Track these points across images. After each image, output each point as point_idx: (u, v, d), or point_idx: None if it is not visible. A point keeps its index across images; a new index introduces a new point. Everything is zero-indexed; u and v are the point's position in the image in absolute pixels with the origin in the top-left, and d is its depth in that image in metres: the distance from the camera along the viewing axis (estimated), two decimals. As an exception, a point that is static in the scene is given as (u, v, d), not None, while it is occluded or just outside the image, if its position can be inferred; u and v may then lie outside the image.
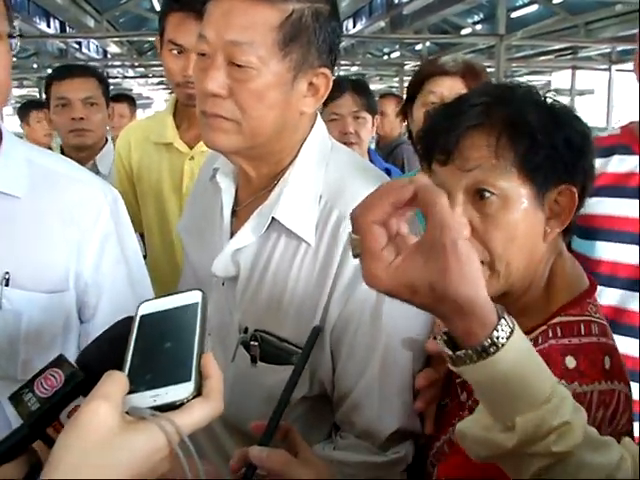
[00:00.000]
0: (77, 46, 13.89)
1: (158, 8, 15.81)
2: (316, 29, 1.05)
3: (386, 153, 4.34)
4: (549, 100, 1.00)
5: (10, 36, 1.06)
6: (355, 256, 0.70)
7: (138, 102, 5.26)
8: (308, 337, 0.93)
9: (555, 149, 0.95)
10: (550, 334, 0.95)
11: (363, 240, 0.68)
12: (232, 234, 1.18)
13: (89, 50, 15.32)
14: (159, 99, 26.65)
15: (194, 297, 0.72)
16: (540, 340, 0.95)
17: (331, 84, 1.11)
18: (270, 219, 1.11)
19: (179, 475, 0.64)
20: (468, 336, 0.68)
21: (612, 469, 0.70)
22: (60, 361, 0.79)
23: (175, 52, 1.91)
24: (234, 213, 1.21)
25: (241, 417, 1.11)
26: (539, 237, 0.98)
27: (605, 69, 13.33)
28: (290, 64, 1.05)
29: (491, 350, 0.67)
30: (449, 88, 1.91)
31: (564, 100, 1.08)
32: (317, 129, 1.17)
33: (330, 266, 1.07)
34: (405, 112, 2.13)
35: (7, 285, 1.12)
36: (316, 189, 1.12)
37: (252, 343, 1.13)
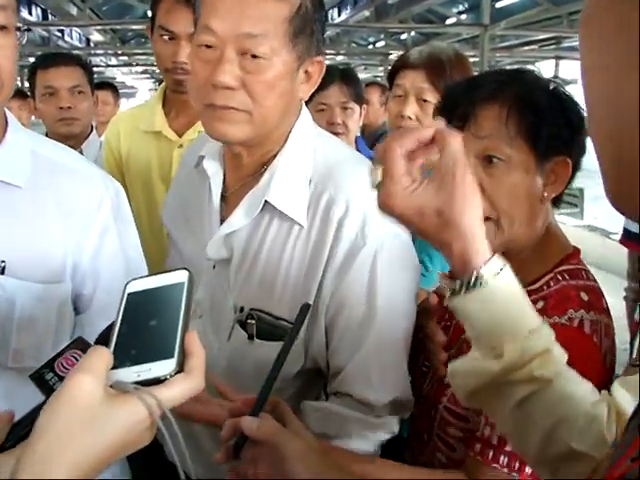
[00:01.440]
0: (60, 34, 13.75)
1: (142, -4, 15.68)
2: (316, 20, 1.10)
3: (371, 141, 4.36)
4: (553, 85, 1.16)
5: (17, 29, 1.07)
6: (374, 186, 0.79)
7: (122, 91, 5.24)
8: (297, 314, 0.96)
9: (556, 125, 1.10)
10: (560, 278, 1.12)
11: (387, 166, 0.77)
12: (222, 219, 1.21)
13: (72, 38, 15.17)
14: (143, 88, 26.46)
15: (181, 276, 0.74)
16: (552, 283, 1.11)
17: (324, 70, 1.15)
18: (263, 202, 1.14)
19: None
20: (463, 264, 0.77)
21: (587, 409, 0.78)
22: (80, 343, 0.82)
23: (166, 38, 1.93)
24: (223, 198, 1.23)
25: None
26: (538, 200, 1.13)
27: (588, 59, 13.41)
28: (296, 54, 1.09)
29: (482, 282, 0.76)
30: (411, 81, 1.94)
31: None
32: (303, 116, 1.20)
33: (323, 246, 1.11)
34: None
35: (3, 273, 1.13)
36: (306, 173, 1.15)
37: (249, 321, 1.17)
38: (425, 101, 1.91)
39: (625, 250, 4.01)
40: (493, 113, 1.11)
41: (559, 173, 1.12)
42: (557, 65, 14.43)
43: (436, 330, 1.18)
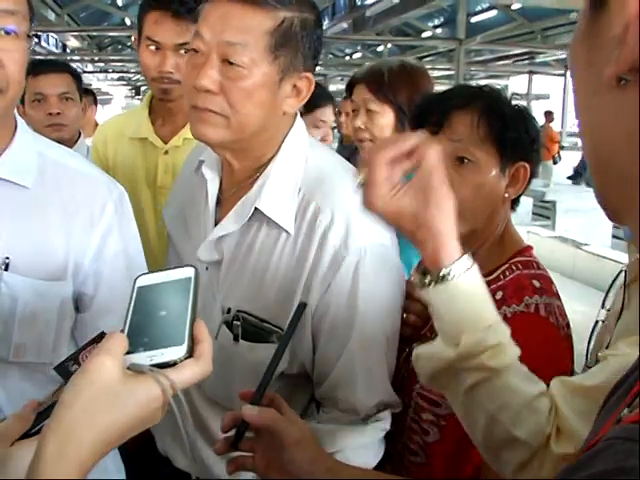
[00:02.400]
0: (36, 40, 13.63)
1: (120, 3, 15.64)
2: (303, 37, 1.14)
3: (349, 151, 4.42)
4: (514, 101, 1.32)
5: (29, 36, 1.12)
6: (359, 186, 0.91)
7: (98, 97, 5.23)
8: (294, 311, 1.01)
9: (518, 133, 1.24)
10: (514, 268, 1.24)
11: (370, 171, 0.88)
12: (216, 222, 1.26)
13: (48, 44, 15.09)
14: (119, 95, 26.30)
15: (187, 272, 0.80)
16: (507, 273, 1.24)
17: (313, 87, 1.19)
18: (253, 209, 1.19)
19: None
20: (434, 261, 0.86)
21: (529, 400, 0.87)
22: (103, 337, 0.87)
23: (152, 48, 1.97)
24: (218, 202, 1.28)
25: (222, 392, 1.21)
26: (500, 199, 1.26)
27: (560, 74, 13.67)
28: (278, 67, 1.12)
29: (449, 277, 0.85)
30: (358, 94, 2.10)
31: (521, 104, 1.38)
32: (297, 127, 1.25)
33: (307, 253, 1.16)
34: None
35: (6, 269, 1.17)
36: (296, 182, 1.20)
37: (234, 322, 1.21)
38: (371, 111, 2.05)
39: (596, 261, 4.11)
40: (466, 119, 1.23)
41: (519, 177, 1.25)
42: (530, 80, 14.67)
43: (411, 305, 1.26)
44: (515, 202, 1.32)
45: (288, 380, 1.24)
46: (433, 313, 0.90)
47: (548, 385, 0.90)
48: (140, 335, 0.74)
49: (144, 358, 0.72)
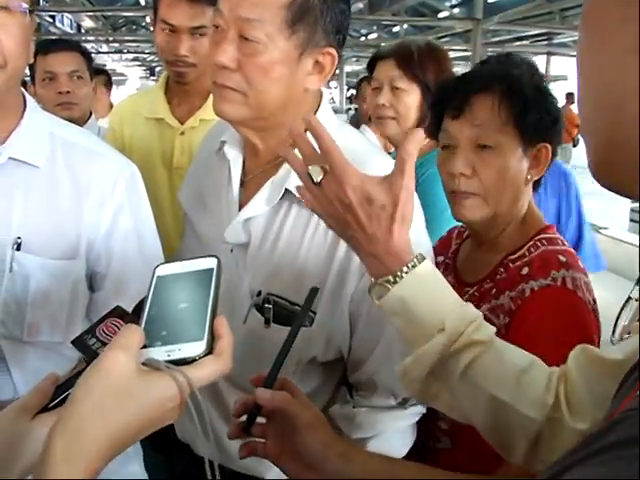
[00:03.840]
0: (50, 20, 13.66)
1: (134, -17, 15.57)
2: (323, 10, 1.10)
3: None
4: (536, 79, 1.29)
5: (31, 12, 1.11)
6: (317, 182, 0.92)
7: (113, 78, 5.20)
8: (307, 296, 0.98)
9: (540, 114, 1.23)
10: (539, 244, 1.24)
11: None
12: (240, 204, 1.24)
13: (63, 24, 15.09)
14: (133, 75, 26.30)
15: (210, 263, 0.76)
16: (533, 250, 1.24)
17: (336, 63, 1.16)
18: (283, 190, 1.17)
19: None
20: (387, 269, 0.89)
21: (521, 371, 0.87)
22: (119, 311, 0.84)
23: (167, 31, 1.95)
24: (241, 184, 1.26)
25: (249, 376, 1.17)
26: (522, 181, 1.26)
27: (579, 56, 13.48)
28: (297, 42, 1.10)
29: (409, 271, 0.88)
30: (383, 71, 2.05)
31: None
32: (324, 107, 1.22)
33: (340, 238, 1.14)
34: None
35: (19, 249, 1.17)
36: None
37: (265, 306, 1.19)
38: (397, 89, 2.01)
39: (615, 245, 4.06)
40: (486, 103, 1.22)
41: (541, 158, 1.26)
42: (548, 61, 14.50)
43: None
44: (537, 183, 1.32)
45: (320, 366, 1.23)
46: (408, 311, 0.89)
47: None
48: (158, 328, 0.70)
49: (161, 353, 0.68)
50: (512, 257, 1.24)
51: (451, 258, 1.41)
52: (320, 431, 0.93)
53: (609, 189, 0.53)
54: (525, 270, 1.20)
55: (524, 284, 1.18)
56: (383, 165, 1.17)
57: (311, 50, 1.12)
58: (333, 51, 1.14)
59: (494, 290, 1.23)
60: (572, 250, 1.25)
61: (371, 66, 2.13)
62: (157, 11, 1.97)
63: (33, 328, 1.21)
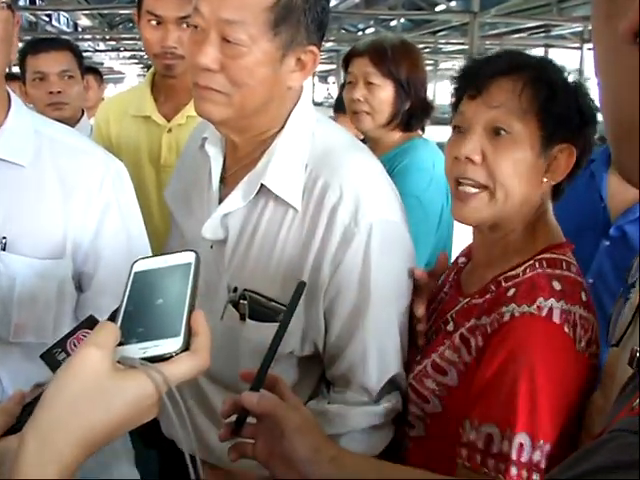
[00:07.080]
0: (47, 19, 13.63)
1: (130, -20, 15.53)
2: (305, 10, 1.10)
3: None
4: (569, 71, 1.15)
5: (10, 7, 1.09)
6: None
7: (109, 76, 5.22)
8: (294, 291, 0.97)
9: (568, 109, 1.10)
10: (537, 265, 1.09)
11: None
12: (220, 200, 1.23)
13: (59, 23, 15.05)
14: (131, 73, 26.24)
15: (188, 257, 0.75)
16: (527, 271, 1.09)
17: (318, 60, 1.15)
18: (259, 185, 1.16)
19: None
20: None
21: None
22: (91, 322, 0.83)
23: (153, 23, 1.93)
24: (222, 180, 1.26)
25: (227, 372, 1.18)
26: (536, 183, 1.12)
27: (577, 48, 13.45)
28: (280, 43, 1.09)
29: None
30: (358, 67, 2.11)
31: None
32: (303, 102, 1.21)
33: (316, 231, 1.13)
34: None
35: (4, 249, 1.16)
36: (302, 158, 1.17)
37: (241, 302, 1.19)
38: (371, 84, 2.07)
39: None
40: (508, 85, 1.10)
41: (561, 161, 1.11)
42: (546, 53, 14.43)
43: (418, 304, 1.22)
44: (558, 190, 1.17)
45: (297, 361, 1.22)
46: None
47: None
48: (134, 325, 0.69)
49: (137, 350, 0.67)
50: (507, 275, 1.11)
51: (466, 262, 1.30)
52: (309, 435, 0.91)
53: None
54: (511, 292, 1.07)
55: (505, 307, 1.05)
56: (357, 162, 1.17)
57: (294, 49, 1.11)
58: (315, 49, 1.14)
59: (479, 308, 1.12)
60: (578, 277, 1.10)
61: (347, 62, 2.17)
62: (141, 5, 1.95)
63: (20, 329, 1.20)
